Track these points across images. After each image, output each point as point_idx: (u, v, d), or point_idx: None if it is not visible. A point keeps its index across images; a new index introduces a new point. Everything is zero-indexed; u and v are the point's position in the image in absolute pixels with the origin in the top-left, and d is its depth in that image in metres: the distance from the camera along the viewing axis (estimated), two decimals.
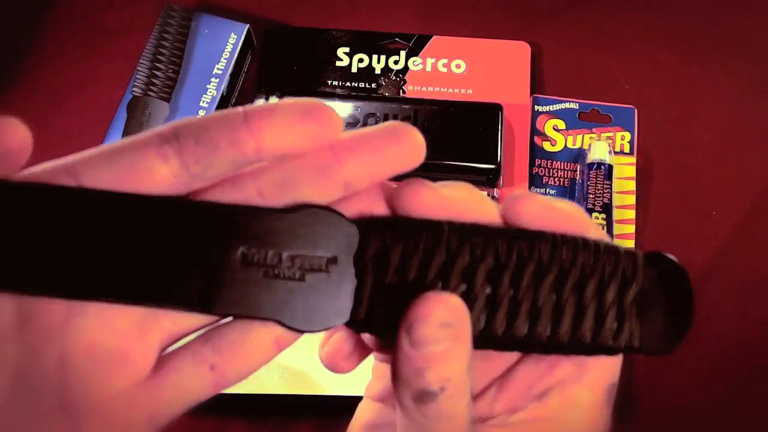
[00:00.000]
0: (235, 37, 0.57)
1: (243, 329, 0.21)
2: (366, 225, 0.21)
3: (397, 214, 0.22)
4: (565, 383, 0.24)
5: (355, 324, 0.21)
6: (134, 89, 0.55)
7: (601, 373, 0.24)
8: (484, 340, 0.21)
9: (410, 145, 0.21)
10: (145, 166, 0.20)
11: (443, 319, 0.20)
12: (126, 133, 0.54)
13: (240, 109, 0.20)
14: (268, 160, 0.20)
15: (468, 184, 0.22)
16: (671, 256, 0.22)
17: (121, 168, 0.20)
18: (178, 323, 0.21)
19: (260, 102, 0.56)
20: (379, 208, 0.22)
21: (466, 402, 0.21)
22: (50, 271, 0.19)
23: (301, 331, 0.21)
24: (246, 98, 0.58)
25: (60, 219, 0.19)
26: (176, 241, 0.20)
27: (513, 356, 0.25)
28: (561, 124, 0.56)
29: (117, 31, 0.60)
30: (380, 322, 0.21)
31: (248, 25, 0.57)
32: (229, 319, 0.22)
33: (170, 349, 0.21)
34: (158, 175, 0.20)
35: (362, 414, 0.28)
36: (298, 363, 0.50)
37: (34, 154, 0.20)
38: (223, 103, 0.56)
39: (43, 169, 0.20)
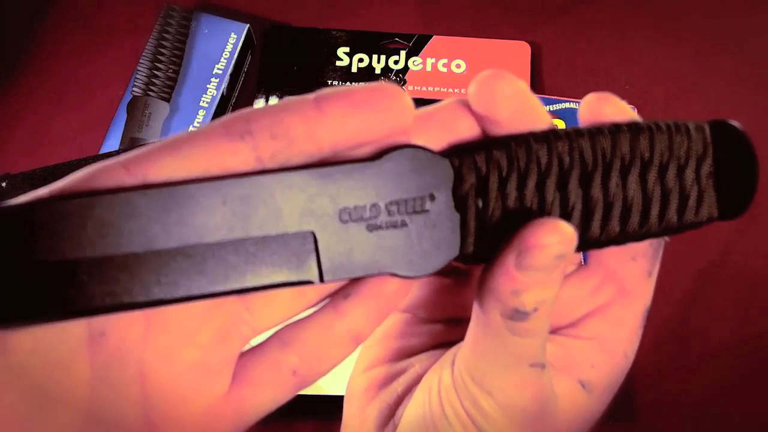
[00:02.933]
0: (235, 37, 0.57)
1: (322, 327, 0.21)
2: (456, 154, 0.20)
3: (480, 114, 0.21)
4: (607, 306, 0.24)
5: (464, 258, 0.21)
6: (134, 89, 0.55)
7: (639, 296, 0.24)
8: (582, 244, 0.21)
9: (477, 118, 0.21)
10: (217, 164, 0.18)
11: (560, 251, 0.20)
12: (126, 133, 0.54)
13: (311, 97, 0.19)
14: (344, 152, 0.19)
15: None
16: (733, 122, 0.22)
17: (192, 167, 0.18)
18: (256, 327, 0.20)
19: (260, 102, 0.56)
20: (463, 121, 0.21)
21: (550, 321, 0.22)
22: (157, 280, 0.18)
23: (415, 277, 0.20)
24: (246, 98, 0.58)
25: (148, 221, 0.18)
26: (270, 215, 0.19)
27: None
28: (561, 124, 0.56)
29: (117, 31, 0.60)
30: (489, 251, 0.21)
31: (248, 25, 0.57)
32: (307, 312, 0.21)
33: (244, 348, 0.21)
34: (232, 171, 0.18)
35: (386, 324, 0.27)
36: None
37: (35, 153, 0.19)
38: (223, 103, 0.56)
39: (96, 170, 0.18)
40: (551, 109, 0.56)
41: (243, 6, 0.61)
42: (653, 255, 0.24)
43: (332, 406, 0.48)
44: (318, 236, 0.19)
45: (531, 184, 0.21)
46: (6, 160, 0.55)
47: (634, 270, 0.24)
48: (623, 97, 0.66)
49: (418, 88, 0.58)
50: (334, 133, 0.19)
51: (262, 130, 0.18)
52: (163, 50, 0.56)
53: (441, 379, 0.24)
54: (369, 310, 0.21)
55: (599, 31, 0.61)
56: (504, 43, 0.59)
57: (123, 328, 0.19)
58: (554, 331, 0.25)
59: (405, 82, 0.58)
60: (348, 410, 0.27)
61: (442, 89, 0.58)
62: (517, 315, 0.21)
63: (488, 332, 0.22)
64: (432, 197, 0.20)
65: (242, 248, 0.18)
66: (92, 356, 0.18)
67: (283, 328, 0.21)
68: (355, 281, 0.21)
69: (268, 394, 0.20)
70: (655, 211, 0.22)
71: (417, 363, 0.26)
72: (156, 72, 0.56)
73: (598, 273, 0.24)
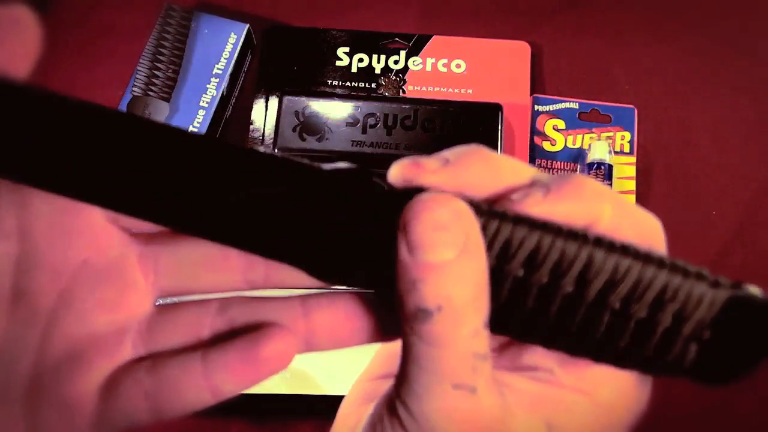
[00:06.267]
0: (235, 37, 0.57)
1: (182, 366, 0.20)
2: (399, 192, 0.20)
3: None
4: None
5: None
6: (134, 89, 0.55)
7: None
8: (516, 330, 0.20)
9: None
10: None
11: (439, 220, 0.18)
12: None
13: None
14: None
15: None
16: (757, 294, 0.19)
17: None
18: (159, 341, 0.21)
19: (260, 102, 0.56)
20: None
21: (468, 331, 0.18)
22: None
23: (323, 280, 0.20)
24: (246, 98, 0.58)
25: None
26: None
27: None
28: (561, 124, 0.56)
29: (117, 31, 0.60)
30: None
31: (248, 25, 0.57)
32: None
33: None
34: None
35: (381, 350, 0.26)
36: (298, 363, 0.50)
37: None
38: (223, 103, 0.56)
39: None
40: (551, 109, 0.56)
41: (243, 6, 0.61)
42: None
43: (332, 406, 0.48)
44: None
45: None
46: None
47: None
48: (623, 97, 0.65)
49: (418, 87, 0.58)
50: None
51: None
52: (163, 50, 0.56)
53: (381, 399, 0.22)
54: (235, 369, 0.20)
55: (599, 31, 0.61)
56: (504, 43, 0.59)
57: (40, 294, 0.20)
58: (536, 369, 0.22)
59: (405, 82, 0.58)
60: (339, 413, 0.26)
61: (442, 89, 0.58)
62: (421, 314, 0.18)
63: (404, 347, 0.20)
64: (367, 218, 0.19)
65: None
66: (11, 313, 0.20)
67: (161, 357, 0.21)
68: (239, 336, 0.21)
69: (121, 406, 0.20)
70: (600, 331, 0.20)
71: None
72: (156, 72, 0.56)
73: None
